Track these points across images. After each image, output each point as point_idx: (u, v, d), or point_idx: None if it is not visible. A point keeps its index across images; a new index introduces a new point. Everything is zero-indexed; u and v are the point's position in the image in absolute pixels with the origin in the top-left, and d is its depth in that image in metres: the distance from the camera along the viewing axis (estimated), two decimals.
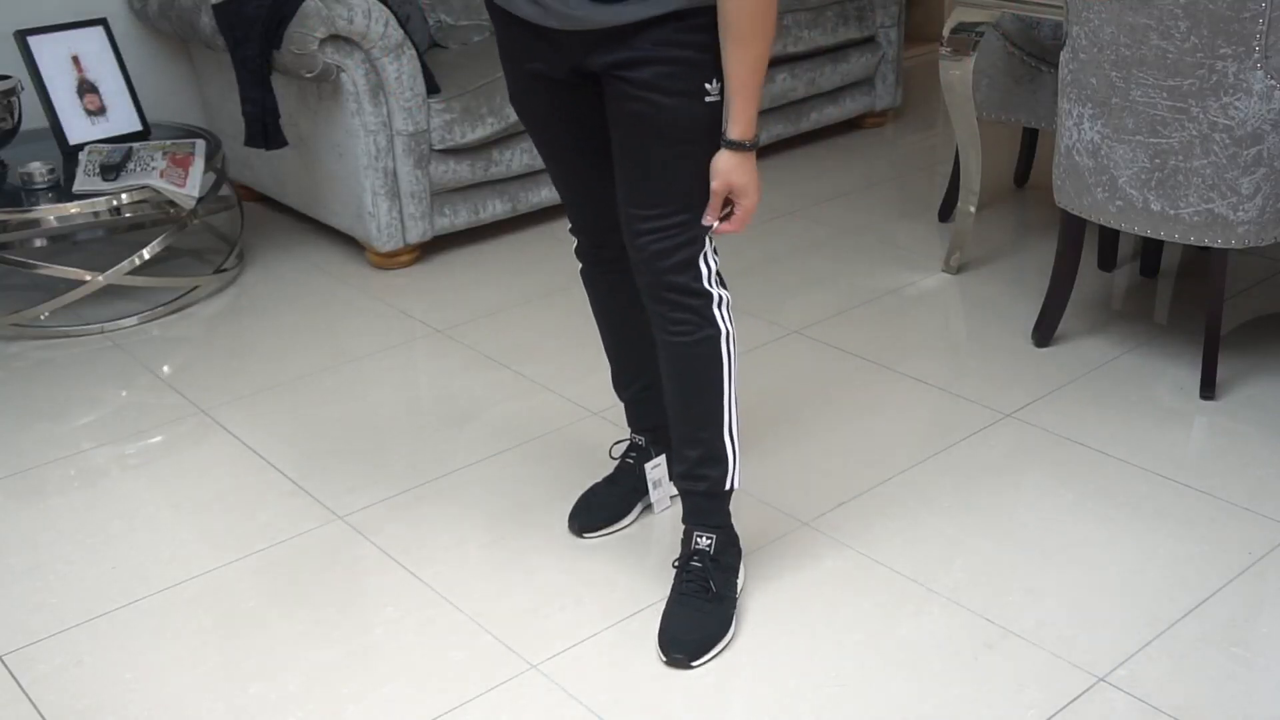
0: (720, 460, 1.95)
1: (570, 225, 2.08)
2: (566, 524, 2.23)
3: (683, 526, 2.03)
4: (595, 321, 2.18)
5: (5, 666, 1.96)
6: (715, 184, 1.77)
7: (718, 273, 1.87)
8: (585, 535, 2.21)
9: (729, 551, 2.02)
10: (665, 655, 1.91)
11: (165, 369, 2.89)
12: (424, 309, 3.14)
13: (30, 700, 1.88)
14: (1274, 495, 2.26)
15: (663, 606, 2.00)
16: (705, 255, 1.84)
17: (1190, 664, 1.87)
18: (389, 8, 3.13)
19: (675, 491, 2.28)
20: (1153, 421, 2.51)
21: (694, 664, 1.90)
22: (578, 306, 3.10)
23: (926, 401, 2.62)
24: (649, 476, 2.22)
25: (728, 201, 1.80)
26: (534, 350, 2.90)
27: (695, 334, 1.87)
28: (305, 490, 2.39)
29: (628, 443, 2.27)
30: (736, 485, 1.98)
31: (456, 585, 2.10)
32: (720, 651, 1.92)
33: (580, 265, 2.12)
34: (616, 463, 2.27)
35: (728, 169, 1.76)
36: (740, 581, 2.04)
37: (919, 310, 3.04)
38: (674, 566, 2.01)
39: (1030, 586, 2.05)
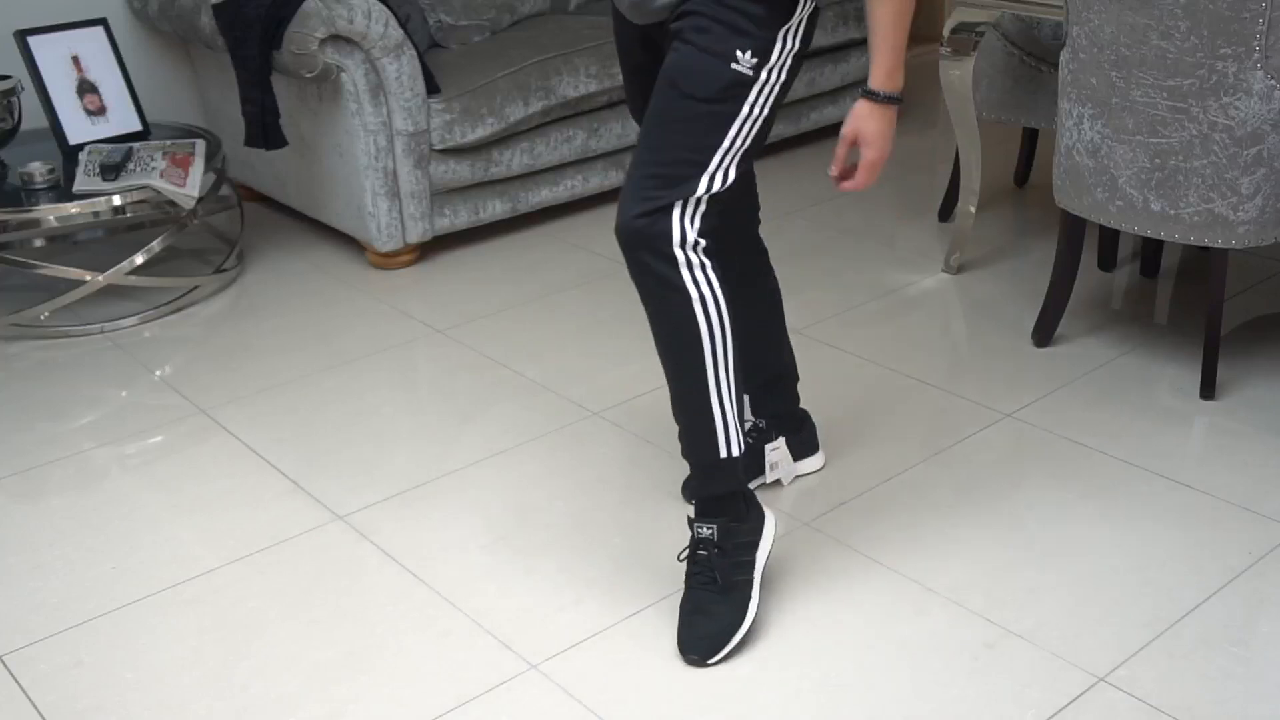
0: (703, 430, 1.86)
1: None
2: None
3: (689, 515, 1.98)
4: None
5: (5, 666, 1.96)
6: (844, 128, 1.81)
7: (695, 239, 1.76)
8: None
9: (736, 534, 1.92)
10: (682, 655, 1.89)
11: (165, 369, 2.89)
12: (424, 309, 3.13)
13: (30, 700, 1.88)
14: (1274, 495, 2.26)
15: (664, 606, 2.00)
16: (678, 218, 1.75)
17: (1190, 664, 1.87)
18: (389, 8, 3.13)
19: (799, 472, 2.32)
20: (1153, 421, 2.51)
21: (710, 662, 1.88)
22: (578, 307, 3.11)
23: (926, 401, 2.62)
24: (767, 458, 2.24)
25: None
26: (534, 350, 2.90)
27: (661, 295, 1.80)
28: (305, 490, 2.39)
29: (750, 423, 2.27)
30: (732, 453, 1.87)
31: (456, 585, 2.10)
32: (739, 642, 1.89)
33: None
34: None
35: (859, 115, 1.80)
36: (762, 555, 1.95)
37: (919, 310, 3.04)
38: (679, 560, 1.98)
39: (1030, 586, 2.05)
